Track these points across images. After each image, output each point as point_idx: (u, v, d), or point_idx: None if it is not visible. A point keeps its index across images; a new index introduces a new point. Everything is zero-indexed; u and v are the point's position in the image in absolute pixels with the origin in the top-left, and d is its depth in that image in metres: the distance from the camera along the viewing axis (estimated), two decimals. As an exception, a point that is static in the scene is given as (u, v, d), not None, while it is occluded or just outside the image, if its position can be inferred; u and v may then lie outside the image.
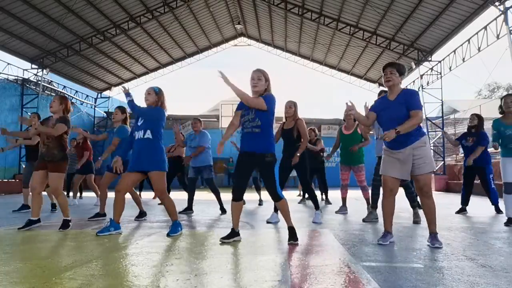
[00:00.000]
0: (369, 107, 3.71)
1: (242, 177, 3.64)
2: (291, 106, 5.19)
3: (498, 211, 6.08)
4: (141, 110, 4.20)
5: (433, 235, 3.40)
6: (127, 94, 4.32)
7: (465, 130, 6.63)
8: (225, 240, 3.55)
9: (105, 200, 5.54)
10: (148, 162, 4.03)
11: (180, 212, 6.34)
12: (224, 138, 3.66)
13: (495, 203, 6.18)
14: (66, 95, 19.88)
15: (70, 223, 4.58)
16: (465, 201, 6.30)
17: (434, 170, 3.48)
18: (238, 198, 3.63)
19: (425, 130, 18.95)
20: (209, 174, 6.39)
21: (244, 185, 3.68)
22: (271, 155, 3.54)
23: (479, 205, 7.29)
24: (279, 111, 5.52)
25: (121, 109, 5.77)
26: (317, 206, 5.12)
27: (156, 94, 4.18)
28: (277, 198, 3.59)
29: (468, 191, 6.33)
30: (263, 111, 3.50)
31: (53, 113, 4.72)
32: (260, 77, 3.57)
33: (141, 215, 5.60)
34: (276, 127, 5.30)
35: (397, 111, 3.42)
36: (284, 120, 5.34)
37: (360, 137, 6.09)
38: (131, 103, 4.25)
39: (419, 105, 3.39)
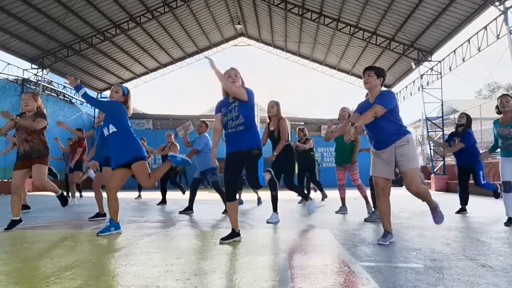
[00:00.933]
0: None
1: (233, 177, 3.64)
2: (273, 106, 5.23)
3: (497, 196, 6.11)
4: (99, 102, 4.17)
5: (433, 210, 3.65)
6: (78, 86, 4.00)
7: (454, 130, 6.61)
8: (224, 241, 3.55)
9: (101, 200, 5.55)
10: (123, 154, 3.98)
11: (180, 212, 6.35)
12: (214, 147, 3.75)
13: (492, 189, 6.19)
14: (66, 95, 19.90)
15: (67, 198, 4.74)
16: (463, 201, 6.30)
17: (419, 167, 3.58)
18: (232, 198, 3.64)
19: (425, 130, 19.00)
20: (213, 177, 6.41)
21: (236, 185, 3.70)
22: (257, 149, 3.55)
23: (479, 205, 7.29)
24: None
25: None
26: (306, 197, 5.17)
27: (124, 94, 4.18)
28: (258, 186, 3.62)
29: (464, 191, 6.34)
30: (245, 104, 3.52)
31: (29, 111, 4.58)
32: (236, 74, 3.63)
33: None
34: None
35: None
36: (268, 120, 5.36)
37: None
38: (86, 96, 4.04)
39: (384, 102, 3.41)
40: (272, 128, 5.23)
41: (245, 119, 3.51)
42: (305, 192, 5.28)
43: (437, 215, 3.67)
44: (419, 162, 3.62)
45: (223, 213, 6.22)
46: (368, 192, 5.87)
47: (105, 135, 4.08)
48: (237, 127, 3.52)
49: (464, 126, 6.22)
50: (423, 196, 3.58)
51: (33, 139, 4.52)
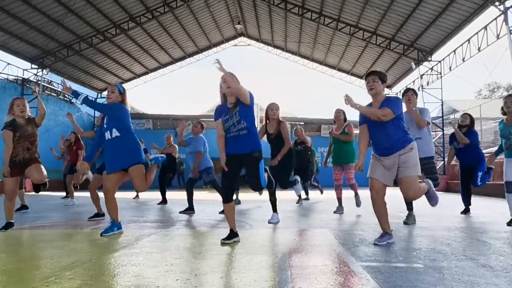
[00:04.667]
0: (348, 98, 3.56)
1: (231, 179, 3.66)
2: (277, 109, 5.17)
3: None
4: (103, 106, 4.13)
5: (426, 194, 3.67)
6: (75, 92, 4.02)
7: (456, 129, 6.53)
8: (226, 241, 3.54)
9: (97, 200, 5.59)
10: (123, 160, 4.02)
11: (181, 212, 6.35)
12: (222, 152, 3.62)
13: (475, 184, 6.08)
14: (66, 95, 19.87)
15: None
16: (467, 202, 6.29)
17: (419, 175, 3.53)
18: (229, 199, 3.65)
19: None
20: (208, 177, 6.46)
21: (234, 187, 3.75)
22: (258, 151, 3.58)
23: (479, 205, 7.29)
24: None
25: None
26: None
27: (120, 93, 4.17)
28: (259, 188, 3.67)
29: (467, 191, 6.33)
30: (246, 109, 3.50)
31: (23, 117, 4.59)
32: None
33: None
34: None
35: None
36: (264, 122, 5.30)
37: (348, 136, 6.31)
38: (87, 101, 4.08)
39: (394, 107, 3.37)
40: (271, 131, 5.16)
41: (248, 123, 3.51)
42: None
43: (431, 198, 3.74)
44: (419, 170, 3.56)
45: (220, 213, 6.22)
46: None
47: (107, 138, 4.07)
48: (240, 131, 3.52)
49: (467, 126, 6.22)
50: (419, 196, 3.62)
51: (33, 147, 4.58)
